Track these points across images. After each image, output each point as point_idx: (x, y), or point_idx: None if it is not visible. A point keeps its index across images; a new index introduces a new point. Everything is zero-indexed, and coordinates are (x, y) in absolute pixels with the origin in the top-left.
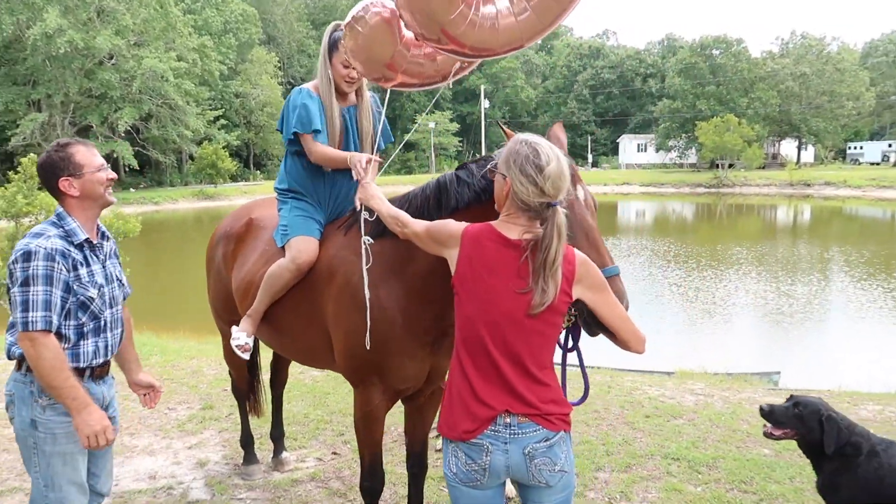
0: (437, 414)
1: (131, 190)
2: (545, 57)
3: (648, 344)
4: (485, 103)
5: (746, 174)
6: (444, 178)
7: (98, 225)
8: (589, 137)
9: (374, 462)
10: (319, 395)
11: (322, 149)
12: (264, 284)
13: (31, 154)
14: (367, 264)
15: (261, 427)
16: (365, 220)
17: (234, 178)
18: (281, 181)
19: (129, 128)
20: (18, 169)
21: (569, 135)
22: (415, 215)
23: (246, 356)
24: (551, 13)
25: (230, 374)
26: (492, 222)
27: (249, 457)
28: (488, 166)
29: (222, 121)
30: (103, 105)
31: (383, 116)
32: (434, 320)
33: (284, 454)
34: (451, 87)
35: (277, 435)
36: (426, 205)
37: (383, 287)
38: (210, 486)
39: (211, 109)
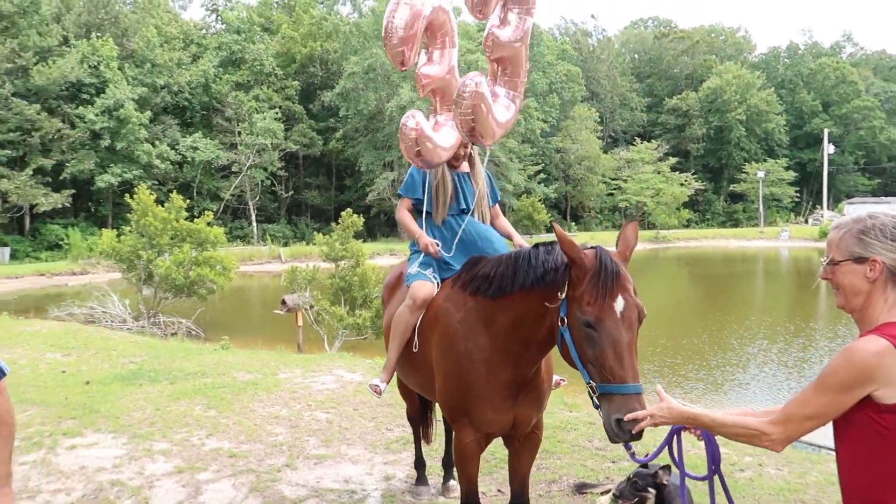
0: None
1: None
2: None
3: None
4: (829, 148)
5: None
6: (521, 253)
7: None
8: None
9: (469, 494)
10: None
11: (404, 216)
12: (393, 329)
13: (348, 209)
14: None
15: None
16: (464, 274)
17: (548, 230)
18: (411, 241)
19: None
20: (339, 220)
21: None
22: (497, 286)
23: (377, 395)
24: None
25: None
26: (888, 321)
27: (420, 479)
28: (554, 253)
29: (542, 175)
30: None
31: (491, 180)
32: (513, 373)
33: (452, 482)
34: (787, 130)
35: (448, 462)
36: (506, 275)
37: (472, 340)
38: (384, 498)
39: (532, 164)
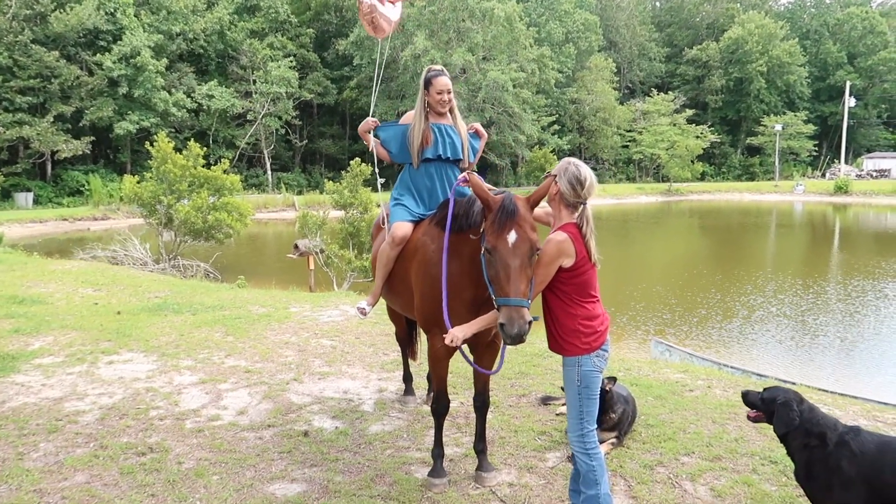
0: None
1: None
2: None
3: None
4: (851, 101)
5: None
6: (472, 198)
7: None
8: None
9: (440, 390)
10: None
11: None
12: (378, 261)
13: (357, 159)
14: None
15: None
16: (438, 213)
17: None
18: (394, 188)
19: None
20: (349, 168)
21: None
22: (458, 224)
23: (362, 316)
24: None
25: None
26: (566, 222)
27: (407, 390)
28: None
29: (556, 126)
30: None
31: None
32: (474, 293)
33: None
34: (809, 83)
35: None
36: (462, 215)
37: (447, 265)
38: (376, 405)
39: (546, 115)
